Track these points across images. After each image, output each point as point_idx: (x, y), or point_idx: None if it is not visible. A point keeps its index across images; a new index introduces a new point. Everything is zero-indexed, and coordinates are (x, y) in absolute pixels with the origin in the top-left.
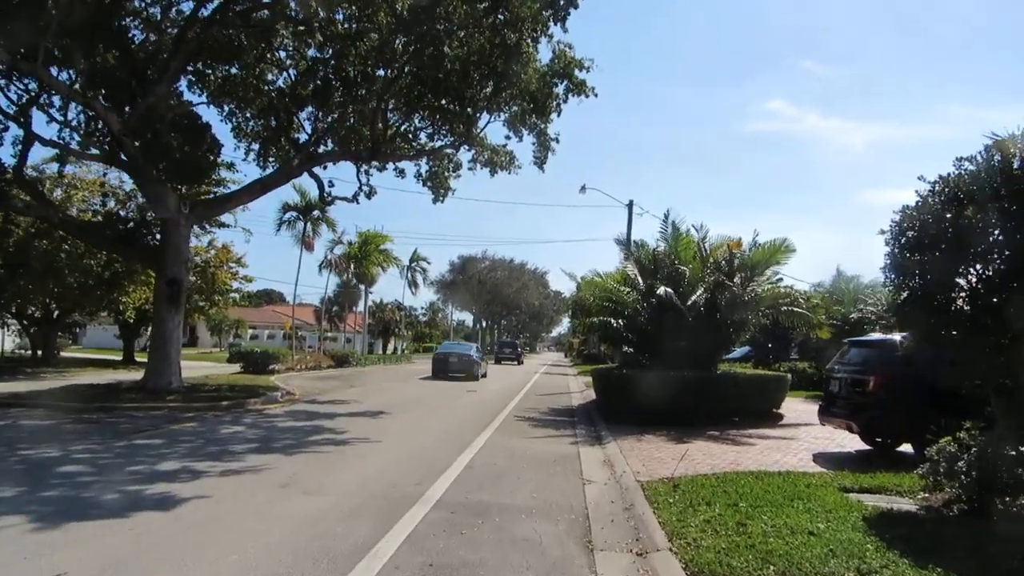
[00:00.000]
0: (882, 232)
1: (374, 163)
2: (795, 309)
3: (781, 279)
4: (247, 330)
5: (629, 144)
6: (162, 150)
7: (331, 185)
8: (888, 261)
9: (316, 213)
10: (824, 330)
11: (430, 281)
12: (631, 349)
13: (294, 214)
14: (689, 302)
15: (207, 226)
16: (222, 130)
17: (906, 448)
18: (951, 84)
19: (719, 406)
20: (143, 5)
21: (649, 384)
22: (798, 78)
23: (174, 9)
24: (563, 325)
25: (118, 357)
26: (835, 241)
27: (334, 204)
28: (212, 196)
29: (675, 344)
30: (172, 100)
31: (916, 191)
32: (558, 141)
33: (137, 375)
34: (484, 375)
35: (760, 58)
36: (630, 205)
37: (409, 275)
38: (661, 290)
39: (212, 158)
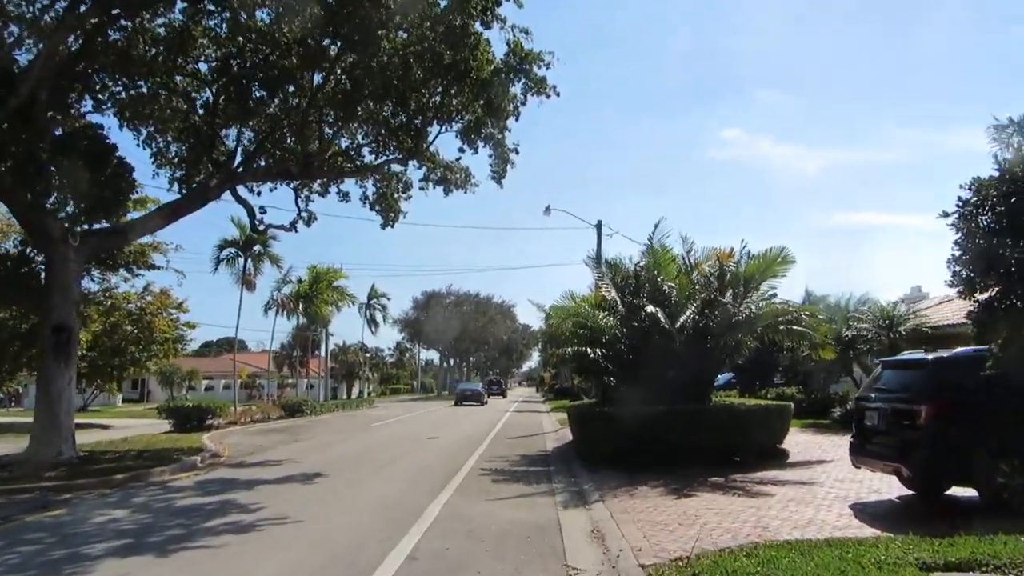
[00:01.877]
0: (944, 215)
1: (308, 182)
2: (795, 328)
3: (775, 294)
4: (201, 381)
5: (590, 174)
6: (38, 170)
7: (263, 211)
8: (958, 252)
9: (258, 248)
10: (828, 350)
11: (392, 319)
12: (612, 380)
13: (233, 250)
14: (678, 324)
15: (135, 269)
16: (140, 158)
17: (959, 490)
18: (894, 108)
19: (716, 443)
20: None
21: (634, 422)
22: (752, 107)
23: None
24: (533, 359)
25: None
26: (799, 263)
27: (268, 233)
28: (107, 226)
29: (662, 372)
30: (62, 117)
31: (994, 156)
32: (517, 152)
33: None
34: (485, 402)
35: (715, 88)
36: (599, 225)
37: (368, 313)
38: (649, 308)
39: (121, 184)
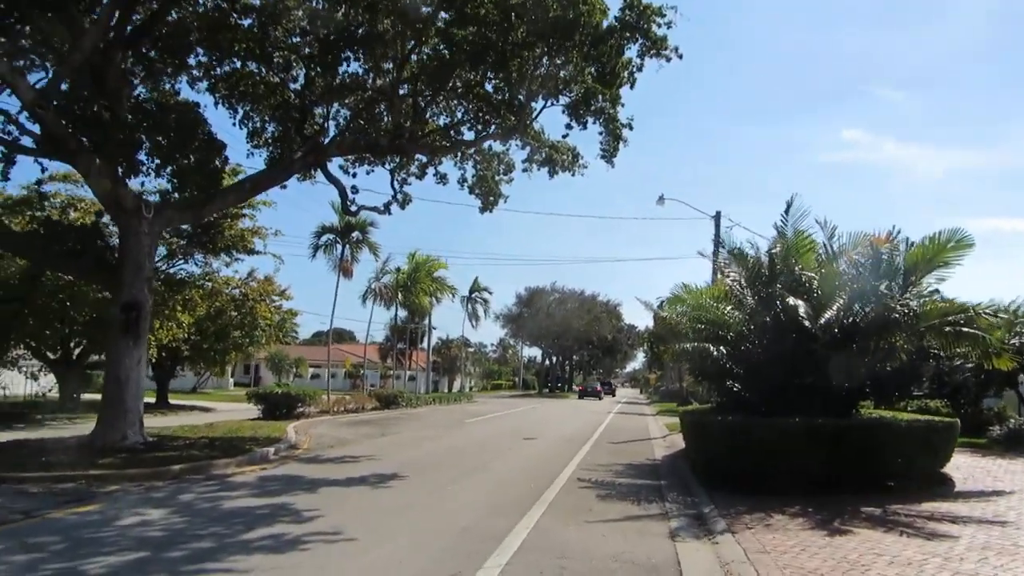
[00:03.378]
0: None
1: (404, 163)
2: (965, 330)
3: (936, 289)
4: (307, 369)
5: (691, 177)
6: (120, 138)
7: (355, 191)
8: None
9: (356, 235)
10: (1004, 359)
11: (495, 314)
12: (736, 386)
13: (331, 236)
14: (821, 320)
15: (234, 252)
16: (239, 138)
17: None
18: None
19: (866, 466)
20: None
21: (765, 435)
22: (872, 106)
23: None
24: (637, 360)
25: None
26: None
27: (361, 215)
28: (181, 198)
29: (798, 378)
30: (153, 89)
31: None
32: (631, 127)
33: (160, 421)
34: (601, 398)
35: (830, 88)
36: (717, 216)
37: (470, 307)
38: (790, 300)
39: (210, 158)
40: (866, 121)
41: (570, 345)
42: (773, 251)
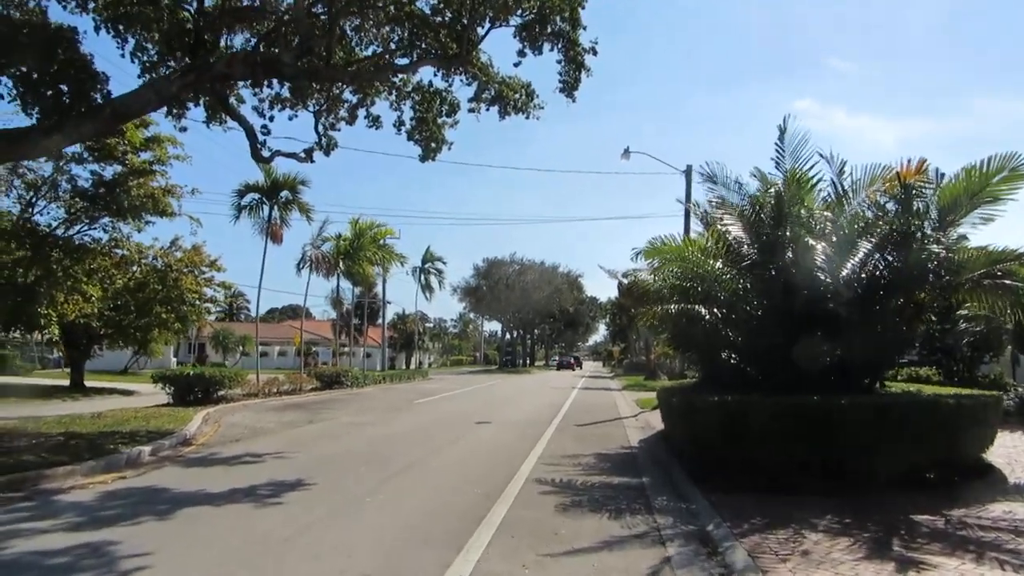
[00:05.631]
0: None
1: (323, 101)
2: (1007, 281)
3: (964, 235)
4: (254, 347)
5: (649, 149)
6: None
7: (266, 132)
8: None
9: (285, 195)
10: None
11: (452, 287)
12: (733, 356)
13: (256, 196)
14: (843, 273)
15: (145, 216)
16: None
17: None
18: (976, 77)
19: (904, 454)
20: None
21: (778, 418)
22: (823, 76)
23: None
24: (599, 333)
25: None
26: None
27: (291, 173)
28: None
29: (812, 346)
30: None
31: None
32: (595, 52)
33: (45, 409)
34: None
35: (783, 59)
36: (688, 171)
37: (423, 278)
38: (810, 241)
39: (94, 95)
40: (817, 91)
41: (531, 318)
42: (768, 193)
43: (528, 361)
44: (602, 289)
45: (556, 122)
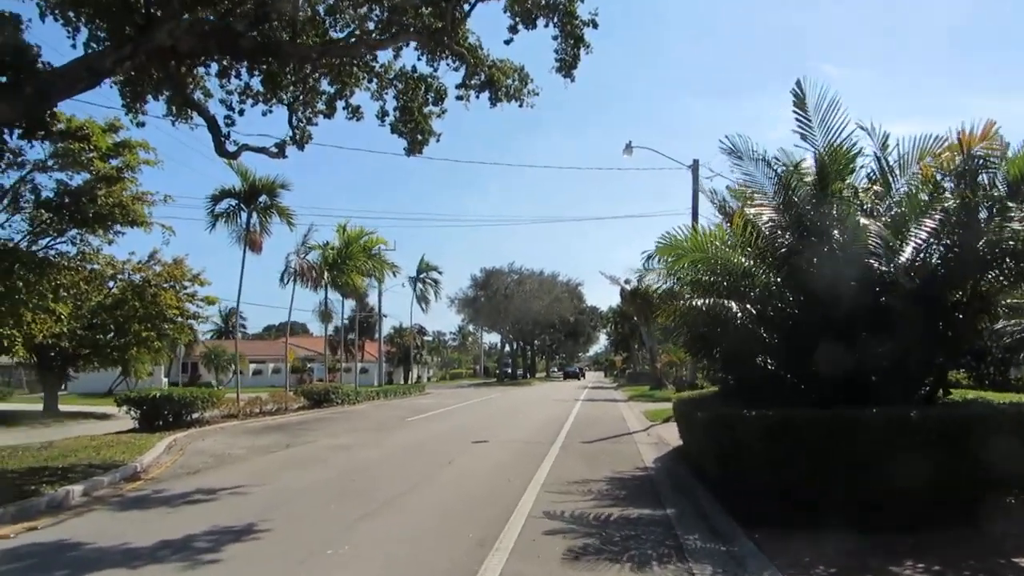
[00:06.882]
0: None
1: (299, 93)
2: None
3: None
4: (248, 365)
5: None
6: None
7: (230, 123)
8: None
9: (264, 200)
10: None
11: (449, 298)
12: (770, 361)
13: (232, 202)
14: (902, 259)
15: (114, 226)
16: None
17: None
18: (967, 77)
19: (976, 477)
20: None
21: (838, 436)
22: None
23: None
24: (600, 343)
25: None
26: None
27: (270, 176)
28: None
29: (864, 350)
30: None
31: None
32: (595, 26)
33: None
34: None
35: (778, 66)
36: (695, 165)
37: (419, 288)
38: (863, 221)
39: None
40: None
41: (530, 329)
42: (799, 169)
43: (529, 373)
44: (603, 299)
45: (552, 128)
